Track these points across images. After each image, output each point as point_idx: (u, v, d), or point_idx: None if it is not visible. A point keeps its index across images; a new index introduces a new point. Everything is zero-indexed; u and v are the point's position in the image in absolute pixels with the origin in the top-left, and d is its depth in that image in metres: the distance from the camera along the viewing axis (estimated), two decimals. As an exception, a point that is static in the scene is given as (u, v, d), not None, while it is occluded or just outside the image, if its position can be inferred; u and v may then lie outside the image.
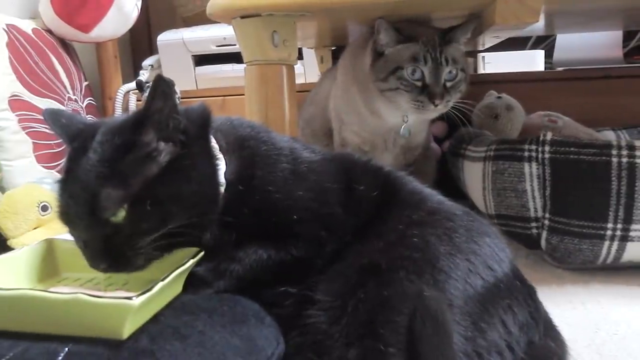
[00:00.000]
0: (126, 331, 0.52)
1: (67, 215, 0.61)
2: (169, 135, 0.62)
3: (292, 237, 0.71)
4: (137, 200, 0.58)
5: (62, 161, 1.50)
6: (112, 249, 0.59)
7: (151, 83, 0.60)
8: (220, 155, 0.68)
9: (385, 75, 1.11)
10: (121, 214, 0.58)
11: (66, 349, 0.50)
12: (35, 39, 1.58)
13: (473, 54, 2.17)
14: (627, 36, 2.18)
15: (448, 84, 1.10)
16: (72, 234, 0.63)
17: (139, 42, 2.39)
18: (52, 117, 0.67)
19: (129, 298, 0.51)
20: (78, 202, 0.59)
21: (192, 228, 0.62)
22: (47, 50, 1.61)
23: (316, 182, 0.74)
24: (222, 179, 0.67)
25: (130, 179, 0.59)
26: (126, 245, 0.59)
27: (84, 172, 0.59)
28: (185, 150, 0.63)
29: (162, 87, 0.60)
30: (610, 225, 0.94)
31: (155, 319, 0.57)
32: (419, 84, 1.08)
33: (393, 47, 1.10)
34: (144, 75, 2.00)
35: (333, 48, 1.85)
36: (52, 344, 0.50)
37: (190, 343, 0.54)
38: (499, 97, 1.50)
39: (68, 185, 0.61)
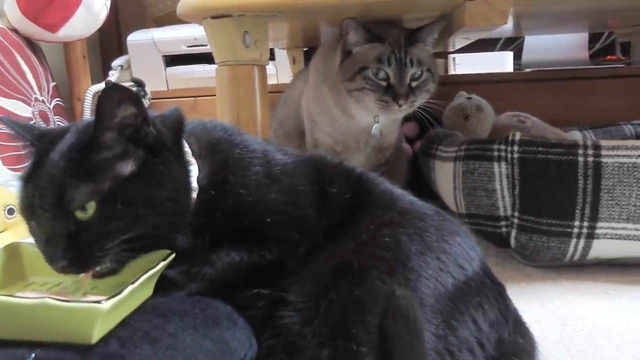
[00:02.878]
0: (95, 336, 0.51)
1: (30, 209, 0.60)
2: (139, 142, 0.62)
3: (265, 239, 0.71)
4: (107, 198, 0.58)
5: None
6: (74, 247, 0.58)
7: (103, 90, 0.59)
8: (192, 160, 0.68)
9: (351, 75, 1.12)
10: (90, 210, 0.57)
11: (33, 355, 0.49)
12: (1, 38, 1.55)
13: (444, 55, 2.20)
14: (593, 38, 2.24)
15: (413, 84, 1.11)
16: (33, 232, 0.62)
17: (108, 42, 2.36)
18: (11, 120, 0.66)
19: (98, 302, 0.50)
20: (44, 194, 0.58)
21: (161, 232, 0.62)
22: (12, 50, 1.58)
23: (289, 185, 0.75)
24: (194, 184, 0.67)
25: (98, 175, 0.58)
26: (90, 245, 0.58)
27: (51, 165, 0.58)
28: (157, 158, 0.63)
29: (127, 94, 0.59)
30: (577, 223, 0.96)
31: (125, 322, 0.56)
32: (383, 83, 1.10)
33: (360, 47, 1.11)
34: (114, 76, 1.98)
35: (305, 49, 1.85)
36: (19, 350, 0.49)
37: (161, 346, 0.54)
38: (469, 98, 1.53)
39: (33, 179, 0.60)
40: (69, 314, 0.50)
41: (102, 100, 0.59)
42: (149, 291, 0.62)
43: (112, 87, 0.59)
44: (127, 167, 0.61)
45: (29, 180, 0.61)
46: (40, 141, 0.63)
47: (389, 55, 1.09)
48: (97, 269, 0.61)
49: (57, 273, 0.62)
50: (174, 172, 0.65)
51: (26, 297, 0.51)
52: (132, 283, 0.55)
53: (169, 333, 0.56)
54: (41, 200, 0.58)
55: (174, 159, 0.66)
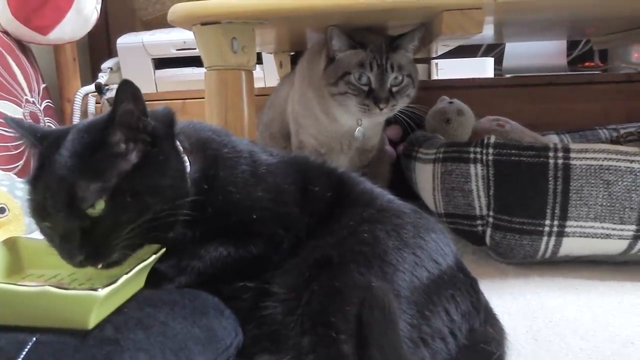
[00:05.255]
0: (92, 321, 0.55)
1: (43, 210, 0.62)
2: (138, 135, 0.65)
3: (251, 235, 0.74)
4: (116, 193, 0.61)
5: (20, 163, 1.50)
6: (89, 242, 0.61)
7: (117, 86, 0.62)
8: (184, 156, 0.72)
9: (335, 80, 1.16)
10: (99, 207, 0.60)
11: (34, 338, 0.52)
12: (-8, 40, 1.57)
13: (427, 60, 2.25)
14: (571, 45, 2.31)
15: (394, 89, 1.15)
16: (46, 231, 0.64)
17: (98, 44, 2.38)
18: (15, 121, 0.68)
19: (95, 290, 0.54)
20: (55, 195, 0.60)
21: (166, 221, 0.66)
22: (3, 51, 1.60)
23: (274, 184, 0.78)
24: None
25: (105, 173, 0.61)
26: (104, 237, 0.61)
27: (59, 167, 0.61)
28: (156, 149, 0.66)
29: (130, 90, 0.63)
30: (547, 222, 1.00)
31: (119, 310, 0.59)
32: (365, 88, 1.14)
33: (343, 53, 1.16)
34: (103, 78, 2.00)
35: (292, 53, 1.89)
36: (20, 334, 0.53)
37: (152, 333, 0.57)
38: (451, 102, 1.55)
39: (42, 180, 0.62)
40: (67, 301, 0.54)
41: (114, 101, 0.63)
42: (141, 282, 0.66)
43: (119, 86, 0.62)
44: (131, 160, 0.64)
45: (38, 183, 0.63)
46: (42, 142, 0.66)
47: (371, 61, 1.13)
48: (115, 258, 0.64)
49: (53, 266, 0.66)
50: (171, 161, 0.68)
51: (28, 285, 0.54)
52: (126, 274, 0.59)
53: (160, 321, 0.60)
54: (53, 201, 0.61)
55: (170, 150, 0.69)
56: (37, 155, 0.65)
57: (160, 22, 2.00)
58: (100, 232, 0.61)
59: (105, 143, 0.63)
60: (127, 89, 0.63)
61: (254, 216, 0.74)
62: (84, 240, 0.61)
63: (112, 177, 0.62)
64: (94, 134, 0.63)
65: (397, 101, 1.16)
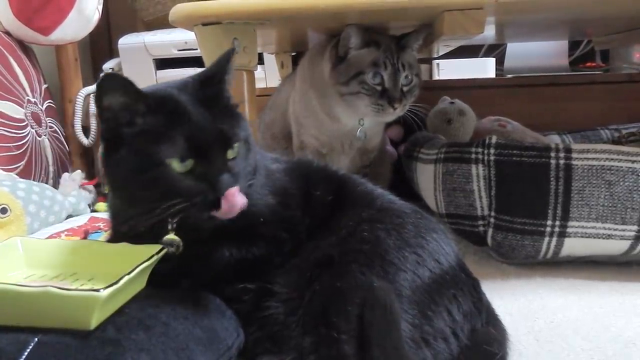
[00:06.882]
0: (94, 322, 0.55)
1: (201, 150, 0.66)
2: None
3: (255, 236, 0.75)
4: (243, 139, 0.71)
5: (21, 163, 1.49)
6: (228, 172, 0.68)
7: (222, 55, 0.74)
8: None
9: (346, 80, 1.15)
10: (236, 149, 0.69)
11: (36, 339, 0.53)
12: (-7, 41, 1.57)
13: (428, 60, 2.25)
14: (573, 46, 2.31)
15: (405, 89, 1.15)
16: (184, 174, 0.66)
17: (99, 45, 2.38)
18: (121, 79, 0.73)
19: (97, 290, 0.54)
20: (214, 136, 0.67)
21: None
22: (5, 52, 1.60)
23: (281, 188, 0.79)
24: None
25: (236, 120, 0.72)
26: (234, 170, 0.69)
27: (211, 114, 0.69)
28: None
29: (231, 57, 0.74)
30: (549, 222, 1.00)
31: (121, 311, 0.60)
32: (379, 88, 1.14)
33: (357, 51, 1.15)
34: (105, 79, 2.00)
35: (293, 54, 1.89)
36: (22, 335, 0.53)
37: (154, 333, 0.58)
38: (452, 103, 1.56)
39: (190, 126, 0.67)
40: (69, 301, 0.54)
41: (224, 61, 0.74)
42: (142, 283, 0.66)
43: (224, 55, 0.74)
44: None
45: (176, 128, 0.66)
46: (147, 100, 0.71)
47: (384, 60, 1.13)
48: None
49: (54, 266, 0.67)
50: None
51: (29, 286, 0.55)
52: (128, 274, 0.59)
53: (162, 321, 0.60)
54: (212, 138, 0.67)
55: None
56: (143, 113, 0.70)
57: (162, 23, 2.00)
58: (235, 167, 0.69)
59: (224, 97, 0.73)
60: (229, 56, 0.74)
61: (262, 219, 0.75)
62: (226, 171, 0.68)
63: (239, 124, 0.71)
64: (214, 89, 0.72)
65: (407, 100, 1.16)
